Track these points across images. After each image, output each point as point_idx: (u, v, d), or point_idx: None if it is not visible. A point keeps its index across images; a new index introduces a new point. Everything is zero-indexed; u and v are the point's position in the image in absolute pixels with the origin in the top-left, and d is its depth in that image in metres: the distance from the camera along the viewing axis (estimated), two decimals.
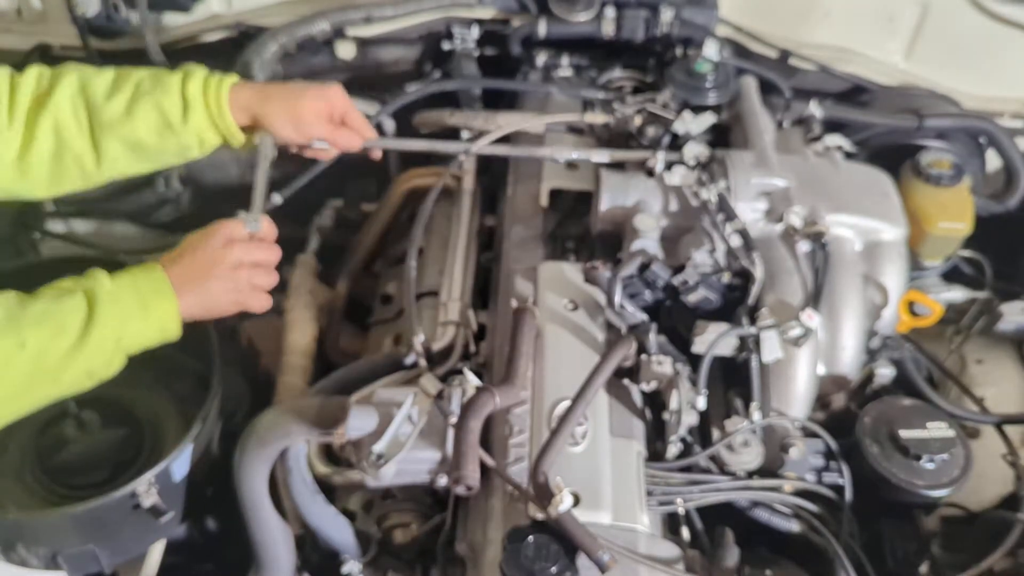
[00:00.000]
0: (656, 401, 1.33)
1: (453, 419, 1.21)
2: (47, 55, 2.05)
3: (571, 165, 1.71)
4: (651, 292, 1.41)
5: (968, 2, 1.85)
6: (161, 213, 2.21)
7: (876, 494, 1.27)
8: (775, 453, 1.29)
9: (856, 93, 1.99)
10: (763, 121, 1.68)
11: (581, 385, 1.21)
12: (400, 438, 1.22)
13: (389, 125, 2.06)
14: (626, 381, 1.34)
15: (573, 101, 1.87)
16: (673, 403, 1.27)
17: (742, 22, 1.98)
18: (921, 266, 1.70)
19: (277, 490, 1.31)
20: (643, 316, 1.37)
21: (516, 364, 1.25)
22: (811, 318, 1.33)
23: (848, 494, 1.28)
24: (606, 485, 1.18)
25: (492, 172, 1.83)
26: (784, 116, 1.76)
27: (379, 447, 1.20)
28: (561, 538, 1.06)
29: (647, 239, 1.47)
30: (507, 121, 1.79)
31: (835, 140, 1.70)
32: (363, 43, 2.04)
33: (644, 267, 1.39)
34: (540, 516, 1.10)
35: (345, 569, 1.34)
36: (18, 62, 2.02)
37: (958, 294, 1.75)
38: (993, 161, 1.92)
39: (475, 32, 1.99)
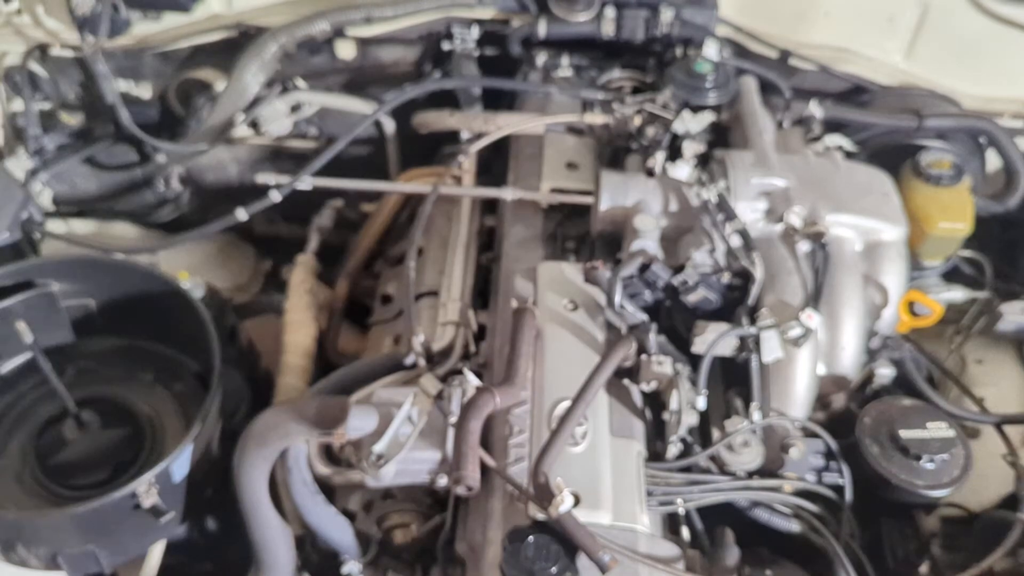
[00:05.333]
0: (656, 401, 1.33)
1: (453, 419, 1.21)
2: (47, 55, 2.06)
3: (571, 165, 1.71)
4: (651, 292, 1.41)
5: (968, 2, 1.85)
6: (161, 213, 2.21)
7: (876, 494, 1.27)
8: (775, 453, 1.29)
9: (856, 93, 1.99)
10: (763, 121, 1.68)
11: (581, 385, 1.21)
12: (400, 438, 1.22)
13: (388, 124, 2.07)
14: (626, 381, 1.34)
15: (573, 101, 1.87)
16: (673, 403, 1.27)
17: (742, 22, 1.98)
18: (921, 266, 1.70)
19: (277, 490, 1.31)
20: (643, 316, 1.36)
21: (516, 364, 1.24)
22: (811, 318, 1.33)
23: (848, 494, 1.28)
24: (606, 485, 1.18)
25: (492, 172, 1.83)
26: (784, 116, 1.76)
27: (379, 447, 1.20)
28: (561, 538, 1.06)
29: (647, 239, 1.47)
30: (507, 122, 1.79)
31: (835, 140, 1.71)
32: (363, 43, 2.05)
33: (644, 267, 1.39)
34: (540, 516, 1.10)
35: (345, 569, 1.34)
36: (18, 62, 2.05)
37: (958, 294, 1.75)
38: (993, 161, 1.92)
39: (475, 32, 1.99)
